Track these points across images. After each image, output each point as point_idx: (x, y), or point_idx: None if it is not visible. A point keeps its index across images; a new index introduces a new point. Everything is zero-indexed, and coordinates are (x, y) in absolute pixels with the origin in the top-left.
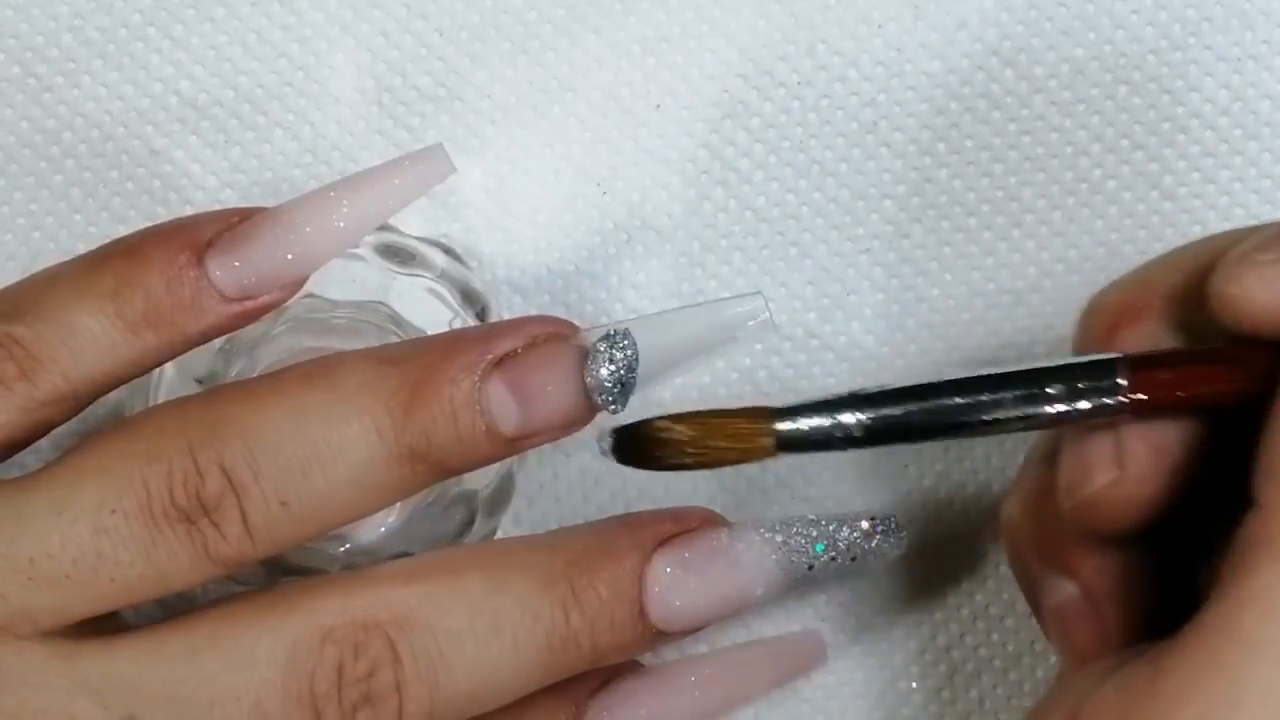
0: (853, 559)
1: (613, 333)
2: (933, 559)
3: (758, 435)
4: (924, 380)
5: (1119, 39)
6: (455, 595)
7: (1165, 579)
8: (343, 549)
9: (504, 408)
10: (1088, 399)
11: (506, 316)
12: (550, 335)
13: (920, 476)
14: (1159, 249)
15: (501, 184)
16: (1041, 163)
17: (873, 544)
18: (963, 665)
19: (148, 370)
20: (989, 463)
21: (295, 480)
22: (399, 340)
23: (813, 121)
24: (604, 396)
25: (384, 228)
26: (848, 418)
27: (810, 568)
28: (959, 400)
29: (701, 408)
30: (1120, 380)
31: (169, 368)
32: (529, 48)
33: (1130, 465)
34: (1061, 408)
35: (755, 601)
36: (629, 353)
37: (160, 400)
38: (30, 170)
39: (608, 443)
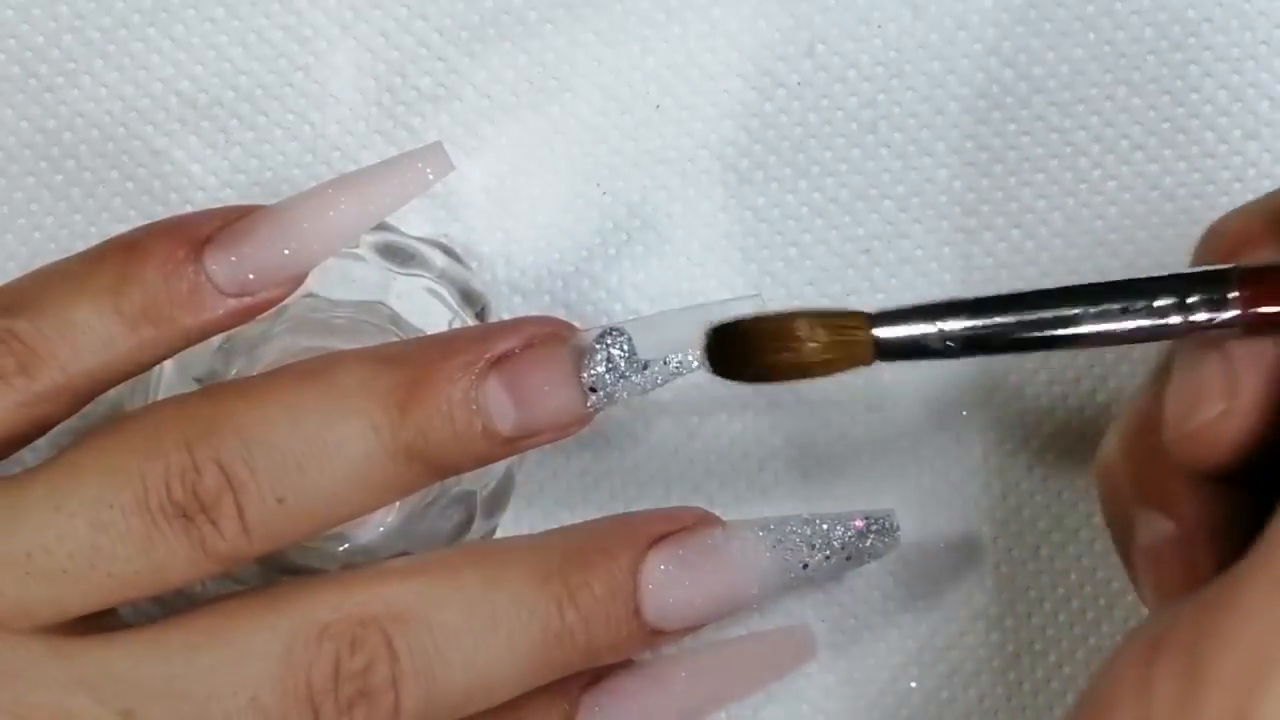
0: (848, 558)
1: (610, 333)
2: (932, 559)
3: (856, 337)
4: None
5: (1119, 40)
6: (452, 592)
7: (1262, 519)
8: (342, 548)
9: (501, 407)
10: (1200, 310)
11: (506, 316)
12: (548, 335)
13: (919, 476)
14: (1158, 249)
15: (501, 184)
16: (1041, 163)
17: (867, 543)
18: (962, 665)
19: (147, 367)
20: (987, 463)
21: (292, 477)
22: (398, 340)
23: (812, 122)
24: (601, 397)
25: (384, 228)
26: (950, 324)
27: (805, 566)
28: (1065, 310)
29: (791, 310)
30: (1234, 292)
31: (168, 366)
32: (529, 48)
33: (1242, 395)
34: (1173, 319)
35: (750, 600)
36: (626, 353)
37: (160, 397)
38: (30, 170)
39: (699, 347)
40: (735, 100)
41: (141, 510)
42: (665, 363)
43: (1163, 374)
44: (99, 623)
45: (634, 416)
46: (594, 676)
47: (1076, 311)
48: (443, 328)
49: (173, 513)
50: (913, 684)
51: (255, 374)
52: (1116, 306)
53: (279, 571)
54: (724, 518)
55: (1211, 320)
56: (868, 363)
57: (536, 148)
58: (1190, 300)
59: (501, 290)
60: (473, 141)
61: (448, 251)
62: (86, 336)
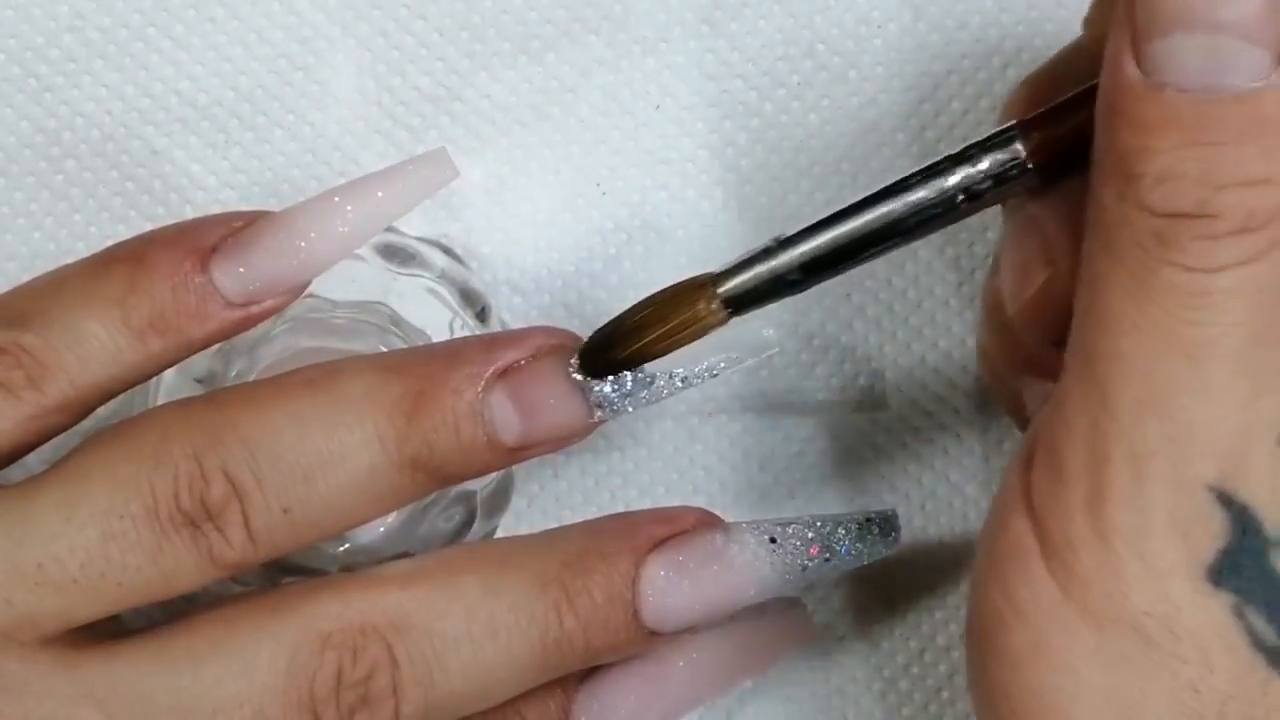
0: (847, 560)
1: None
2: (932, 559)
3: (705, 304)
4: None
5: None
6: (452, 599)
7: None
8: (342, 549)
9: (506, 419)
10: (993, 171)
11: (507, 316)
12: (554, 347)
13: (919, 476)
14: None
15: (501, 184)
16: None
17: (867, 544)
18: (963, 665)
19: (153, 375)
20: (988, 463)
21: (297, 487)
22: (399, 340)
23: (813, 122)
24: (607, 408)
25: (384, 229)
26: (782, 260)
27: (805, 569)
28: (879, 210)
29: (643, 297)
30: (1019, 145)
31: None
32: (529, 48)
33: (1060, 258)
34: (974, 186)
35: (748, 603)
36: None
37: (161, 400)
38: (30, 170)
39: (575, 366)
40: (735, 100)
41: (151, 520)
42: (670, 377)
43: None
44: (101, 629)
45: (634, 416)
46: (591, 667)
47: (894, 205)
48: (443, 328)
49: (181, 522)
50: (913, 684)
51: (260, 378)
52: (922, 193)
53: (280, 572)
54: (724, 518)
55: (1008, 173)
56: (724, 320)
57: (537, 148)
58: (985, 164)
59: (501, 290)
60: (473, 142)
61: (448, 251)
62: (94, 348)
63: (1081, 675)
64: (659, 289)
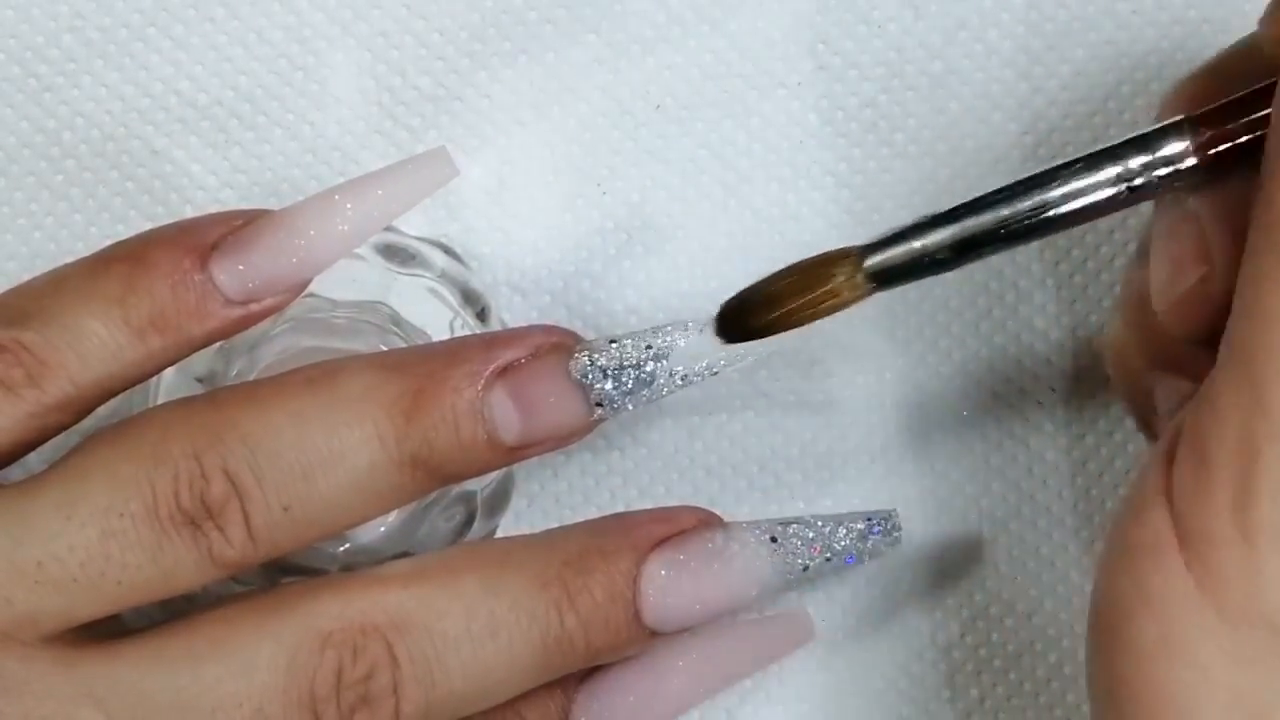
0: (848, 560)
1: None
2: (932, 559)
3: (850, 276)
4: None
5: (1120, 40)
6: (452, 598)
7: None
8: (342, 548)
9: (506, 417)
10: (1157, 166)
11: (507, 316)
12: (554, 345)
13: (919, 476)
14: None
15: (501, 184)
16: (1043, 163)
17: (869, 544)
18: (963, 665)
19: (153, 374)
20: (988, 462)
21: (297, 485)
22: (399, 340)
23: (813, 122)
24: (607, 406)
25: (384, 228)
26: (932, 238)
27: (806, 569)
28: (1038, 194)
29: (784, 266)
30: (1185, 140)
31: (169, 367)
32: (529, 48)
33: (1216, 257)
34: (1137, 181)
35: (749, 603)
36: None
37: (161, 399)
38: (30, 170)
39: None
40: (735, 100)
41: (151, 518)
42: (670, 375)
43: (1147, 248)
44: (100, 628)
45: (634, 416)
46: (590, 667)
47: (1049, 194)
48: (444, 328)
49: (181, 521)
50: (913, 684)
51: (260, 377)
52: (1081, 181)
53: (280, 572)
54: (724, 518)
55: (1175, 171)
56: (867, 294)
57: (536, 147)
58: (1151, 158)
59: (501, 290)
60: (473, 141)
61: (448, 251)
62: (94, 347)
63: (1211, 673)
64: (799, 260)
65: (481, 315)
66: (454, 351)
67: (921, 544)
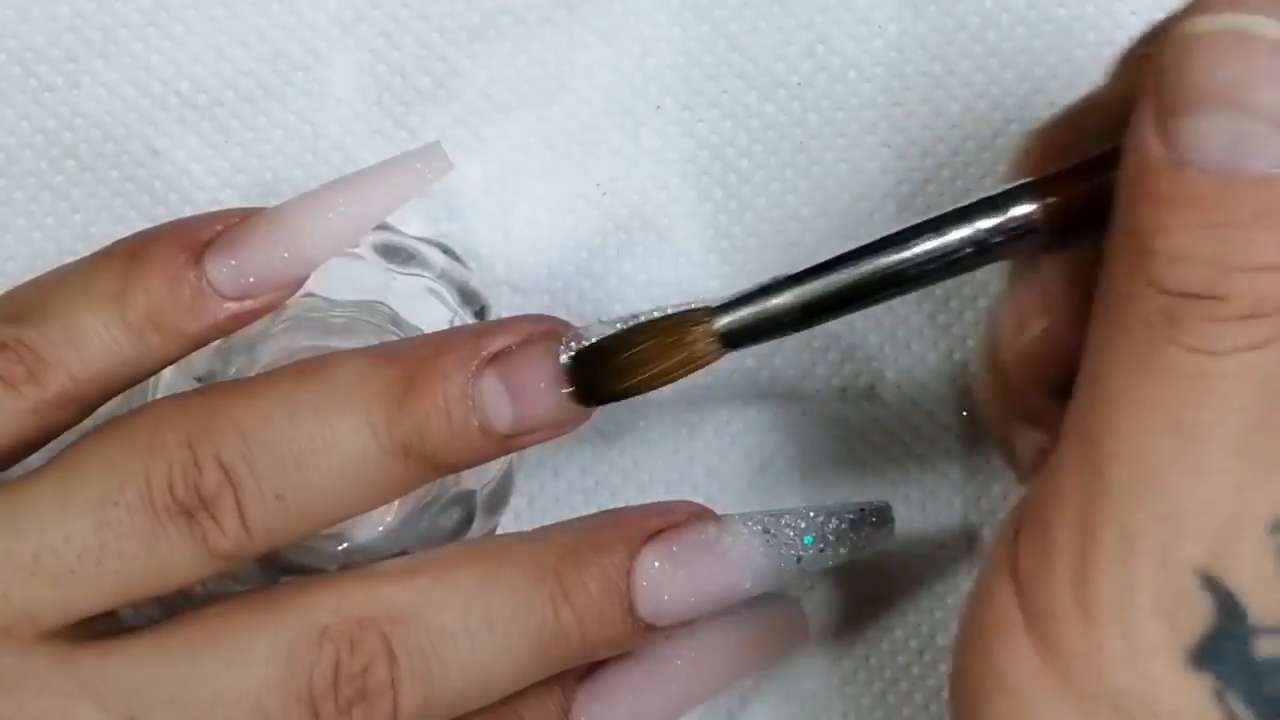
0: (842, 550)
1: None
2: (933, 559)
3: (702, 341)
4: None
5: (1119, 40)
6: (448, 592)
7: None
8: (341, 548)
9: (497, 404)
10: (1003, 228)
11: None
12: (544, 333)
13: (919, 476)
14: None
15: (501, 184)
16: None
17: (861, 535)
18: None
19: (153, 372)
20: (988, 462)
21: (290, 474)
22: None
23: (813, 123)
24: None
25: (383, 227)
26: (783, 299)
27: (799, 560)
28: (885, 259)
29: (638, 320)
30: (1029, 203)
31: (168, 367)
32: (529, 48)
33: (1059, 310)
34: (983, 242)
35: (743, 594)
36: None
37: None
38: (31, 170)
39: (568, 390)
40: (736, 101)
41: (146, 508)
42: None
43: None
44: (100, 627)
45: (634, 415)
46: (590, 667)
47: (900, 255)
48: (442, 327)
49: (176, 510)
50: (913, 684)
51: (255, 373)
52: (931, 242)
53: (279, 571)
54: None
55: (1017, 229)
56: (718, 356)
57: (537, 148)
58: (999, 221)
59: (501, 290)
60: (473, 142)
61: (447, 251)
62: (93, 343)
63: None
64: (653, 313)
65: (480, 315)
66: (445, 340)
67: (921, 544)
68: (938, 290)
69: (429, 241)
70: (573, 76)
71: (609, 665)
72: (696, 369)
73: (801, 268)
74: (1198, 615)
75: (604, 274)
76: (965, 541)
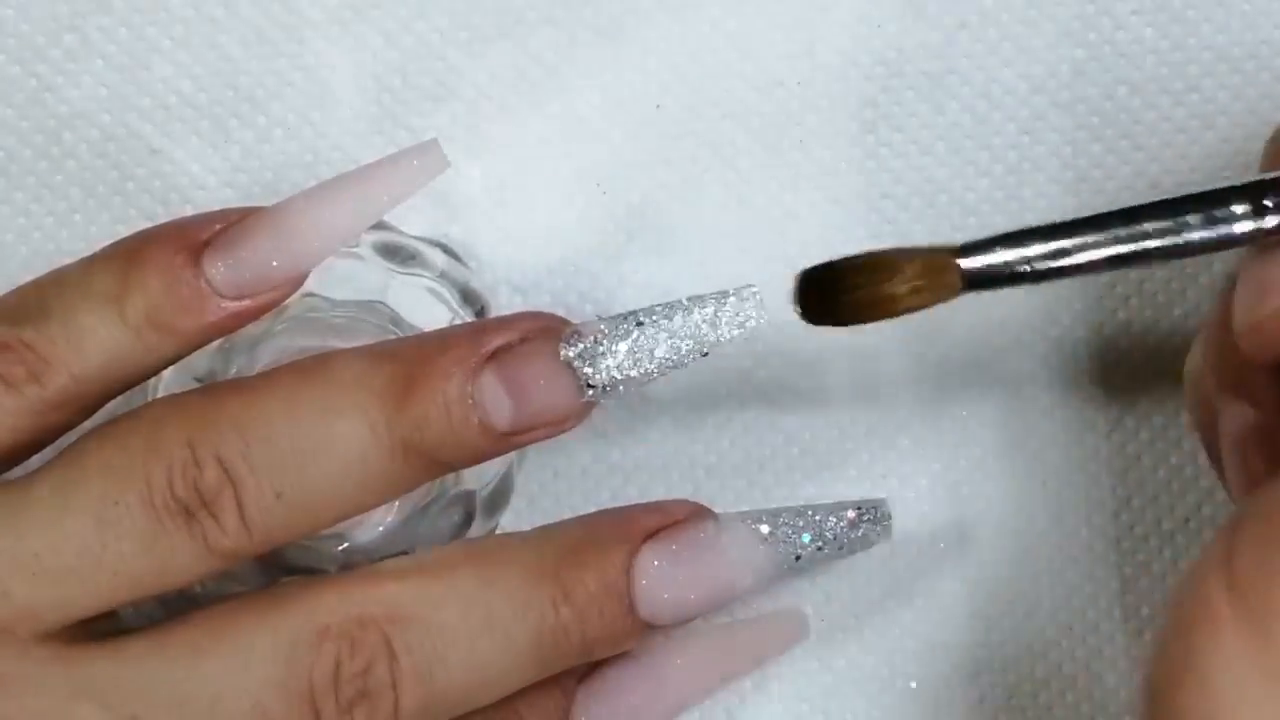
0: (840, 548)
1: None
2: (932, 559)
3: (945, 268)
4: (1101, 210)
5: (1119, 39)
6: (448, 590)
7: None
8: (341, 548)
9: (497, 402)
10: (1269, 215)
11: None
12: (544, 330)
13: (918, 476)
14: None
15: (501, 184)
16: (1041, 163)
17: (859, 532)
18: (962, 665)
19: (153, 372)
20: (986, 464)
21: (290, 473)
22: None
23: (812, 122)
24: (599, 389)
25: (383, 227)
26: (1031, 249)
27: (798, 558)
28: (1138, 225)
29: (879, 248)
30: None
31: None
32: (529, 47)
33: None
34: (1240, 227)
35: (742, 593)
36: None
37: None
38: (30, 170)
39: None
40: (735, 100)
41: (146, 507)
42: (664, 360)
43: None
44: (100, 628)
45: (634, 415)
46: (590, 667)
47: (1149, 226)
48: (442, 327)
49: (176, 509)
50: (913, 684)
51: (255, 373)
52: (1192, 217)
53: (279, 572)
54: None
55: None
56: (957, 293)
57: (537, 147)
58: (1257, 206)
59: (501, 290)
60: (473, 141)
61: (448, 251)
62: (94, 344)
63: None
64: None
65: (481, 315)
66: (444, 338)
67: (920, 544)
68: None
69: (429, 241)
70: (573, 76)
71: (609, 665)
72: (933, 304)
73: (1048, 222)
74: None
75: (604, 274)
76: (964, 542)
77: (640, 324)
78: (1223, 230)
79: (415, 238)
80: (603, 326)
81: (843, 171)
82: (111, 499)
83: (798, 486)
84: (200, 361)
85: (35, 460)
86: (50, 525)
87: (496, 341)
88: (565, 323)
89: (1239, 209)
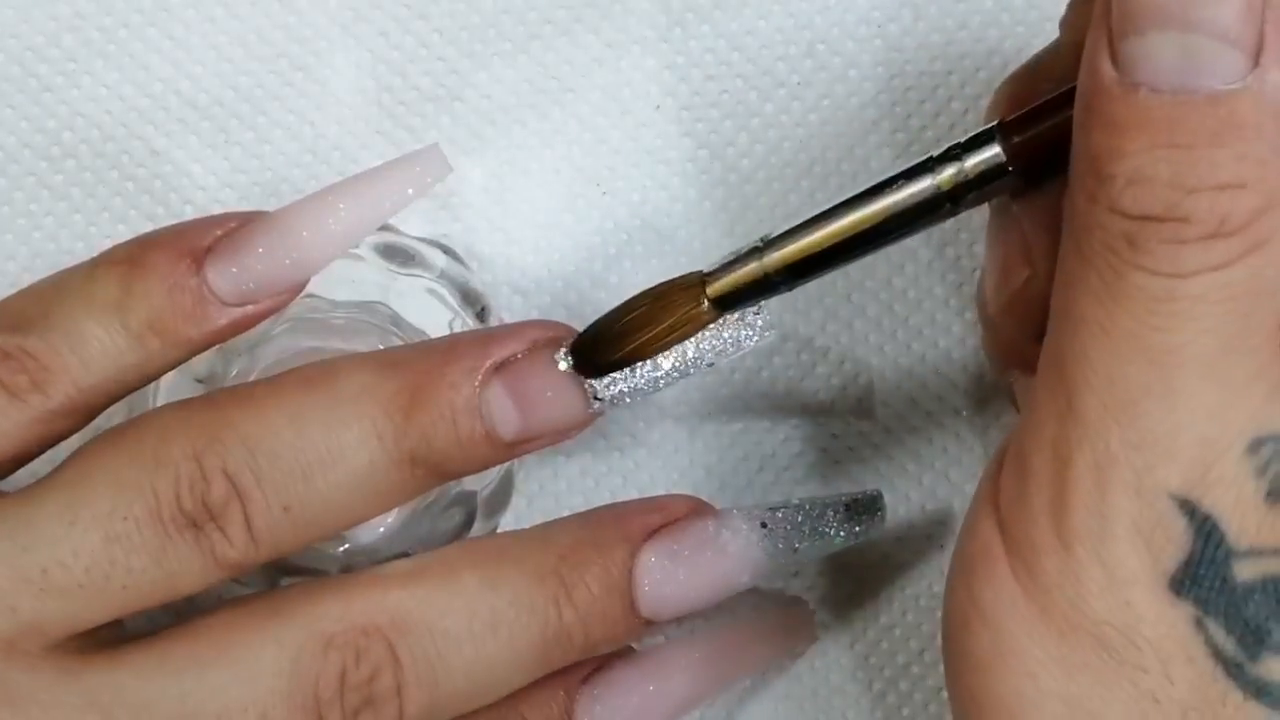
0: (837, 541)
1: None
2: (932, 559)
3: (695, 303)
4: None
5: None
6: (452, 596)
7: None
8: (342, 549)
9: (504, 412)
10: (973, 172)
11: (506, 317)
12: (550, 340)
13: (919, 476)
14: None
15: (501, 184)
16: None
17: (855, 524)
18: None
19: (154, 377)
20: (986, 463)
21: (297, 485)
22: (399, 340)
23: (813, 122)
24: (606, 400)
25: (384, 228)
26: (768, 260)
27: (795, 552)
28: (862, 211)
29: (634, 294)
30: (999, 146)
31: None
32: (529, 48)
33: (1038, 259)
34: (955, 188)
35: (741, 588)
36: None
37: (161, 400)
38: (30, 170)
39: (566, 361)
40: (736, 100)
41: (154, 521)
42: (670, 370)
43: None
44: (104, 635)
45: (634, 416)
46: (594, 667)
47: (876, 206)
48: (443, 328)
49: (184, 523)
50: (913, 684)
51: (258, 377)
52: (906, 193)
53: (280, 573)
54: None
55: (988, 177)
56: (713, 319)
57: (537, 148)
58: (965, 166)
59: (501, 290)
60: (473, 142)
61: (448, 252)
62: (96, 351)
63: (1042, 681)
64: (647, 287)
65: (481, 315)
66: (450, 348)
67: (921, 544)
68: (937, 290)
69: (429, 242)
70: (573, 76)
71: (612, 665)
72: (691, 333)
73: (778, 230)
74: (1175, 542)
75: (604, 274)
76: None
77: None
78: (931, 196)
79: (415, 238)
80: None
81: (844, 172)
82: (120, 515)
83: (797, 486)
84: (201, 363)
85: (35, 464)
86: (58, 541)
87: (503, 352)
88: (572, 332)
89: (947, 173)
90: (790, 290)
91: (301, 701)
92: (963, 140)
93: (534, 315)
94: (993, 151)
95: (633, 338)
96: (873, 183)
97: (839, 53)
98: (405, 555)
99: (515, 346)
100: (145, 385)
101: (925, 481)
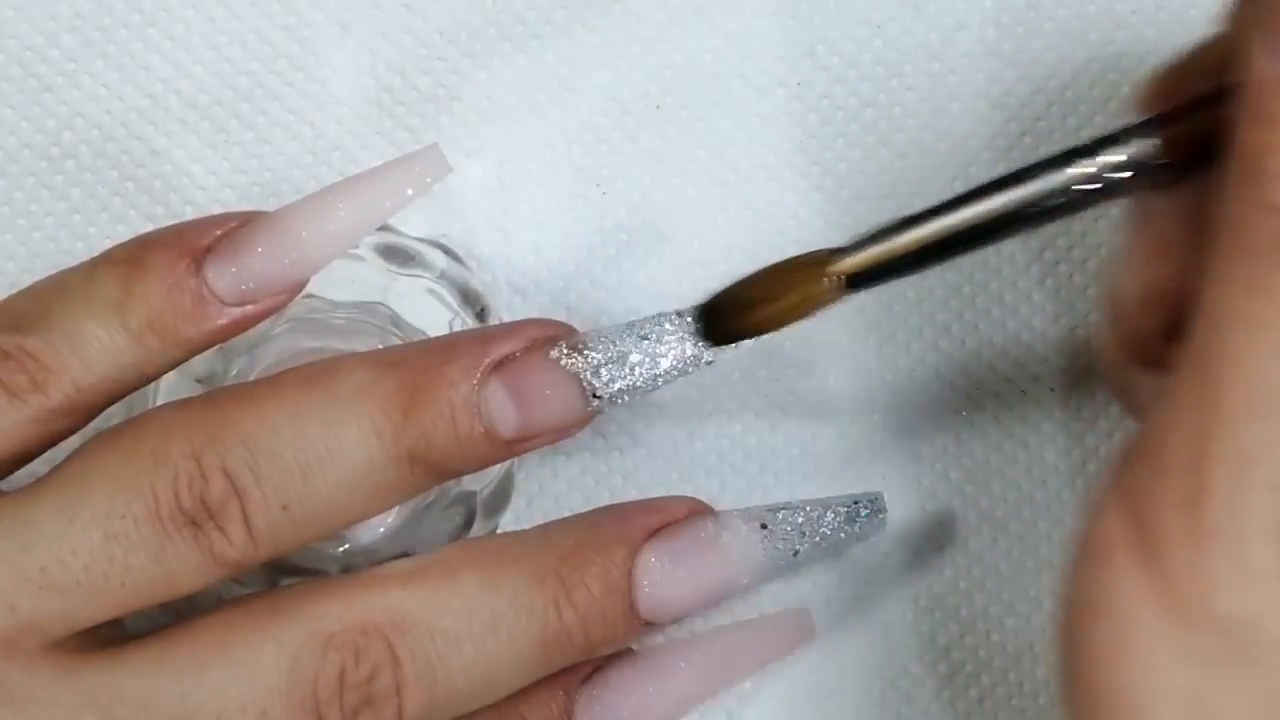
0: (838, 541)
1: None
2: (933, 559)
3: (824, 279)
4: (960, 192)
5: (1120, 39)
6: (452, 596)
7: None
8: (342, 549)
9: (503, 410)
10: (1125, 163)
11: (506, 317)
12: (549, 338)
13: (919, 476)
14: None
15: (501, 184)
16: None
17: (855, 526)
18: (963, 665)
19: (154, 378)
20: (988, 464)
21: (296, 483)
22: (399, 341)
23: (812, 122)
24: (605, 398)
25: (384, 228)
26: (905, 239)
27: (796, 554)
28: (1009, 193)
29: (758, 268)
30: (1150, 140)
31: None
32: (529, 48)
33: (1179, 254)
34: (1106, 177)
35: (741, 589)
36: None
37: (161, 400)
38: (30, 170)
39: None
40: (735, 100)
41: (153, 519)
42: (668, 371)
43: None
44: (103, 634)
45: (634, 416)
46: (593, 668)
47: (1019, 192)
48: (443, 328)
49: (182, 521)
50: (913, 684)
51: (257, 377)
52: (1051, 179)
53: (280, 572)
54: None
55: (1140, 172)
56: (841, 297)
57: (537, 148)
58: (1117, 159)
59: (501, 290)
60: (473, 142)
61: (448, 252)
62: (96, 351)
63: (1164, 675)
64: (773, 262)
65: (481, 315)
66: (449, 346)
67: (921, 544)
68: (937, 290)
69: (429, 242)
70: (572, 76)
71: (612, 666)
72: (819, 309)
73: (924, 207)
74: None
75: (604, 274)
76: (964, 541)
77: (645, 337)
78: (1084, 186)
79: (415, 238)
80: (610, 336)
81: (843, 172)
82: (119, 513)
83: (797, 487)
84: (200, 363)
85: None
86: (56, 539)
87: (502, 350)
88: (571, 330)
89: (1088, 162)
90: (921, 271)
91: (301, 701)
92: (1116, 130)
93: (533, 315)
94: (1146, 145)
95: (763, 306)
96: (1020, 166)
97: (838, 53)
98: (405, 555)
99: (514, 345)
100: (145, 385)
101: (925, 482)
